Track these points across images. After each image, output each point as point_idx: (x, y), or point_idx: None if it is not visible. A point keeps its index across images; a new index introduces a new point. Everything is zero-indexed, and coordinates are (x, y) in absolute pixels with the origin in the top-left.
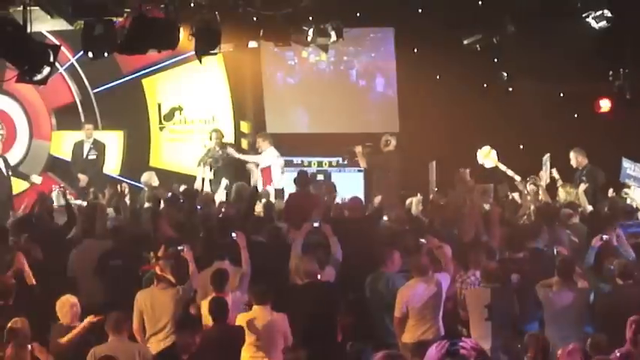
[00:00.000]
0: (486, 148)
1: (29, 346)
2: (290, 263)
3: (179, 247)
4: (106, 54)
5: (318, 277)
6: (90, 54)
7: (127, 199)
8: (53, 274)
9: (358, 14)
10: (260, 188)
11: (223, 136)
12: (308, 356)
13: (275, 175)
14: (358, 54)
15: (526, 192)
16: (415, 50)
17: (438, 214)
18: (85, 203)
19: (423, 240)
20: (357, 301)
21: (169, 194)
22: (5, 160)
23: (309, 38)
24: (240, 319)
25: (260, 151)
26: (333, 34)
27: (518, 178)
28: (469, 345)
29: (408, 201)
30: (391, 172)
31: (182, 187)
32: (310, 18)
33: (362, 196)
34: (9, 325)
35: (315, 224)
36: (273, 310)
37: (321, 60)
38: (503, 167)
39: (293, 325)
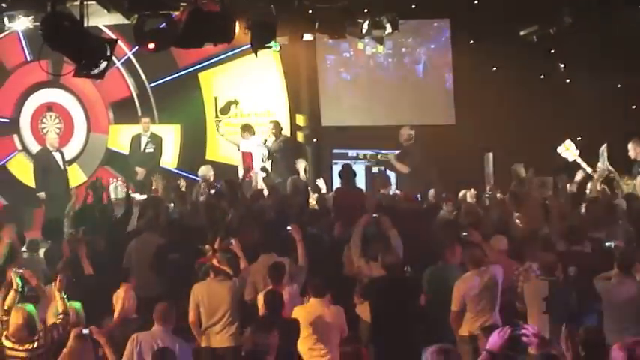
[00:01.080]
0: (567, 142)
1: (87, 330)
2: (345, 255)
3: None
4: (164, 47)
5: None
6: (152, 45)
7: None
8: (111, 266)
9: (414, 6)
10: (240, 173)
11: (281, 129)
12: (387, 348)
13: (256, 161)
14: (416, 46)
15: (598, 185)
16: (471, 42)
17: (495, 206)
18: (143, 196)
19: (465, 233)
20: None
21: (212, 191)
22: (62, 154)
23: (364, 30)
24: (297, 312)
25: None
26: (388, 26)
27: (589, 170)
28: (531, 331)
29: (461, 194)
30: (414, 165)
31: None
32: (365, 10)
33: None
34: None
35: (374, 215)
36: (333, 301)
37: (378, 52)
38: (579, 160)
39: (374, 316)
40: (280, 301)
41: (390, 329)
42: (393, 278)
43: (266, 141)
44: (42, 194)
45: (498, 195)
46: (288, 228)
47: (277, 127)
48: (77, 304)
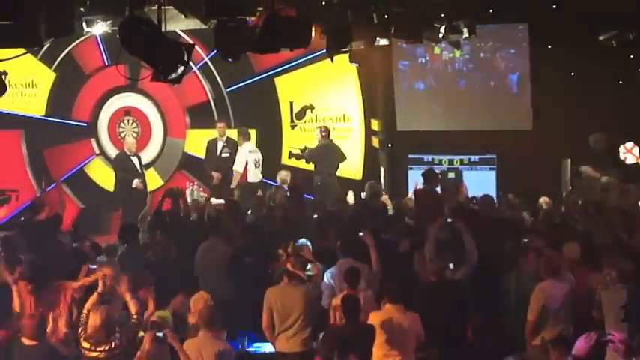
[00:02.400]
0: (629, 144)
1: (161, 333)
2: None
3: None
4: (240, 52)
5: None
6: (230, 60)
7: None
8: (186, 271)
9: (492, 10)
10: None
11: (329, 134)
12: (437, 356)
13: (249, 168)
14: (494, 50)
15: None
16: (549, 47)
17: (576, 213)
18: (220, 201)
19: (525, 239)
20: (488, 301)
21: (288, 193)
22: (139, 159)
23: (441, 35)
24: (373, 318)
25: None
26: (465, 30)
27: None
28: (617, 338)
29: (541, 200)
30: None
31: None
32: (442, 15)
33: (494, 195)
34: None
35: (449, 220)
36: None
37: (455, 56)
38: None
39: (422, 323)
40: (358, 306)
41: (436, 335)
42: (437, 284)
43: (306, 147)
44: (138, 183)
45: (578, 201)
46: (361, 234)
47: (324, 132)
48: (166, 314)
